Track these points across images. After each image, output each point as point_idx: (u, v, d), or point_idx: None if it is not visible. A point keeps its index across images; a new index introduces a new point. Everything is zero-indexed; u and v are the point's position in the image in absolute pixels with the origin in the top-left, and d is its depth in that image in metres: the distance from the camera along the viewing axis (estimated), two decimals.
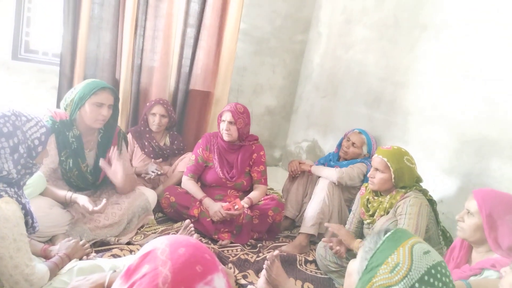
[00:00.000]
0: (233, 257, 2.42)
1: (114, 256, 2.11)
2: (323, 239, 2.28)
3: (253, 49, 3.85)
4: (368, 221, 2.31)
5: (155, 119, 3.01)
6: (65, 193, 2.19)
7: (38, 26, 3.16)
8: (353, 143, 2.89)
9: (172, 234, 2.49)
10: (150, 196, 2.58)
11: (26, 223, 1.56)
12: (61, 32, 2.89)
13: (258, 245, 2.64)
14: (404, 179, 2.18)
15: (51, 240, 2.15)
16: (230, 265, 2.30)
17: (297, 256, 2.51)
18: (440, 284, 0.95)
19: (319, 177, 2.84)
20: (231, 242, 2.60)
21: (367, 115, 3.25)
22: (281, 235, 2.89)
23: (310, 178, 3.01)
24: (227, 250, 2.50)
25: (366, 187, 2.39)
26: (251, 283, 2.15)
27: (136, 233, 2.47)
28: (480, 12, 2.45)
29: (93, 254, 1.97)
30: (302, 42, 4.05)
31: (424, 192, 2.23)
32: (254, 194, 2.75)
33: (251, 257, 2.47)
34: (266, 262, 1.99)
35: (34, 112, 1.62)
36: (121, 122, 3.20)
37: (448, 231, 2.31)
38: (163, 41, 3.22)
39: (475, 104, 2.44)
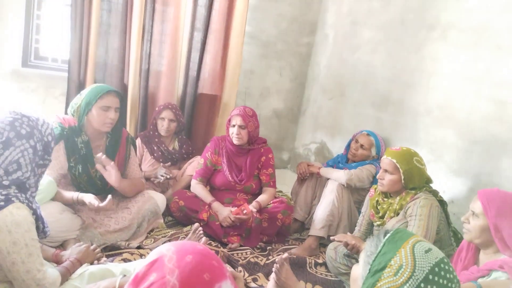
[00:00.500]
0: (242, 260, 2.42)
1: (125, 260, 2.11)
2: (334, 237, 2.24)
3: (260, 53, 3.86)
4: (378, 223, 2.29)
5: (164, 123, 3.02)
6: (72, 194, 2.20)
7: (47, 33, 3.20)
8: (361, 145, 2.88)
9: (182, 237, 2.50)
10: (159, 200, 2.59)
11: (37, 228, 1.56)
12: (70, 38, 2.93)
13: (268, 248, 2.64)
14: (414, 180, 2.17)
15: (62, 245, 2.17)
16: (239, 268, 2.30)
17: (307, 259, 2.51)
18: (445, 281, 0.95)
19: (328, 179, 2.83)
20: (241, 246, 2.60)
21: (375, 117, 3.23)
22: (290, 238, 2.88)
23: (319, 180, 3.00)
24: (237, 254, 2.50)
25: (375, 188, 2.38)
26: (261, 286, 2.15)
27: (146, 237, 2.48)
28: (487, 12, 2.43)
29: (104, 258, 1.98)
30: (309, 45, 4.05)
31: (435, 193, 2.21)
32: (262, 198, 2.74)
33: (261, 260, 2.46)
34: (275, 265, 1.98)
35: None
36: (130, 127, 3.22)
37: (460, 232, 2.28)
38: (170, 46, 3.24)
39: (483, 104, 2.42)
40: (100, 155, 2.27)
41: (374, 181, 2.69)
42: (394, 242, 1.02)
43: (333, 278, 2.39)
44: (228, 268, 1.98)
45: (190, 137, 3.45)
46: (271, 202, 2.74)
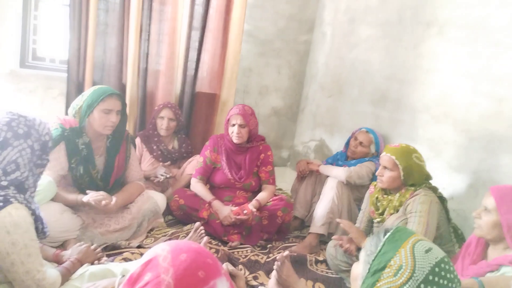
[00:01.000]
0: (243, 258, 2.43)
1: (125, 260, 2.12)
2: (333, 236, 2.26)
3: (258, 51, 3.86)
4: (378, 219, 2.30)
5: (164, 122, 3.02)
6: (76, 197, 2.21)
7: (45, 33, 3.19)
8: (360, 142, 2.89)
9: (182, 236, 2.50)
10: (159, 199, 2.60)
11: (37, 228, 1.56)
12: (68, 38, 2.92)
13: (268, 246, 2.64)
14: (413, 176, 2.17)
15: (62, 245, 2.17)
16: (240, 266, 2.30)
17: (308, 256, 2.51)
18: (446, 282, 0.94)
19: (328, 176, 2.83)
20: (241, 244, 2.61)
21: (373, 114, 3.24)
22: (290, 236, 2.89)
23: (319, 178, 3.00)
24: (237, 252, 2.51)
25: (375, 185, 2.38)
26: (262, 284, 2.15)
27: (147, 237, 2.49)
28: (484, 8, 2.43)
29: (105, 258, 1.98)
30: (307, 43, 4.05)
31: (434, 190, 2.21)
32: (262, 196, 2.75)
33: (261, 258, 2.47)
34: (276, 263, 1.98)
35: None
36: (129, 126, 3.22)
37: (460, 228, 2.29)
38: (168, 45, 3.24)
39: (482, 100, 2.42)
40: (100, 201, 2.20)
41: (373, 178, 2.70)
42: (394, 242, 1.01)
43: (333, 275, 2.39)
44: (229, 266, 1.99)
45: (189, 136, 3.45)
46: (270, 199, 2.75)
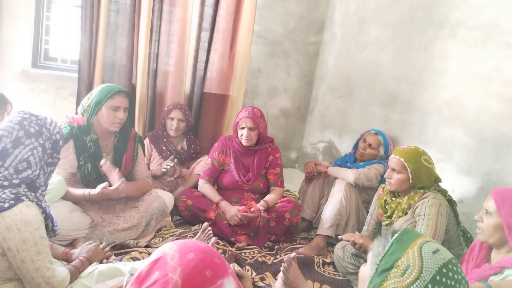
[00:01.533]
0: (250, 259, 2.43)
1: (133, 259, 2.13)
2: (342, 236, 2.24)
3: (267, 51, 3.86)
4: (386, 222, 2.29)
5: (173, 123, 3.04)
6: (84, 191, 2.21)
7: (57, 34, 3.23)
8: (369, 144, 2.87)
9: (190, 236, 2.51)
10: (167, 198, 2.62)
11: (47, 226, 1.58)
12: (79, 39, 2.95)
13: (275, 247, 2.64)
14: (422, 179, 2.15)
15: (72, 244, 2.19)
16: (247, 267, 2.31)
17: (315, 258, 2.51)
18: (453, 282, 0.94)
19: (336, 178, 2.82)
20: (248, 245, 2.61)
21: (383, 115, 3.22)
22: (298, 237, 2.88)
23: (327, 179, 2.99)
24: (244, 253, 2.51)
25: (383, 188, 2.37)
26: (269, 285, 2.15)
27: (154, 236, 2.50)
28: (496, 9, 2.40)
29: (113, 257, 2.00)
30: (316, 44, 4.04)
31: (444, 192, 2.19)
32: (270, 197, 2.75)
33: (269, 259, 2.47)
34: (283, 264, 1.98)
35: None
36: (138, 127, 3.24)
37: (469, 232, 2.27)
38: (177, 46, 3.25)
39: (493, 102, 2.40)
40: (104, 162, 2.28)
41: (382, 180, 2.68)
42: (401, 242, 1.01)
43: (341, 278, 2.38)
44: (236, 267, 1.99)
45: (198, 136, 3.46)
46: (278, 201, 2.74)
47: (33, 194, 1.52)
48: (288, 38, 3.90)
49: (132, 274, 1.27)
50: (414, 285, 0.93)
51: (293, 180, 3.87)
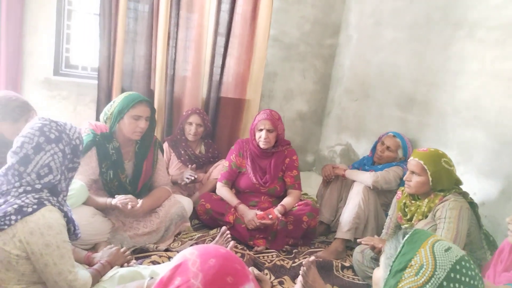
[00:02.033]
0: (268, 263, 2.43)
1: (153, 262, 2.16)
2: (361, 240, 2.22)
3: (283, 55, 3.87)
4: (406, 225, 2.26)
5: (192, 128, 3.07)
6: (106, 200, 2.28)
7: (77, 42, 3.30)
8: (387, 147, 2.84)
9: (209, 240, 2.53)
10: (186, 203, 2.64)
11: (69, 230, 1.61)
12: (98, 47, 3.02)
13: (294, 251, 2.64)
14: (442, 182, 2.12)
15: (93, 248, 2.23)
16: (266, 271, 2.31)
17: (334, 262, 2.49)
18: (467, 279, 0.94)
19: (354, 181, 2.81)
20: (267, 248, 2.61)
21: (400, 118, 3.19)
22: (316, 241, 2.87)
23: (345, 183, 2.98)
24: (263, 256, 2.51)
25: (402, 191, 2.34)
26: None
27: (174, 240, 2.53)
28: None
29: (134, 261, 2.02)
30: (332, 46, 4.03)
31: (465, 195, 2.16)
32: (287, 201, 2.75)
33: (287, 263, 2.47)
34: (302, 268, 1.98)
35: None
36: (157, 131, 3.28)
37: (491, 235, 2.22)
38: (194, 51, 3.29)
39: None
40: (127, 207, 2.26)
41: (401, 183, 2.65)
42: (413, 243, 1.02)
43: (360, 282, 2.36)
44: (255, 271, 2.00)
45: (215, 140, 3.48)
46: (296, 204, 2.74)
47: (55, 198, 1.55)
48: (304, 41, 3.90)
49: (152, 278, 1.29)
50: (429, 284, 0.93)
51: (311, 183, 3.86)
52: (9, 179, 1.49)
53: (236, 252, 2.42)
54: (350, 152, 3.78)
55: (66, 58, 3.27)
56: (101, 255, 1.91)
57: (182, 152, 3.11)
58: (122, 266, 1.90)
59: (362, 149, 3.58)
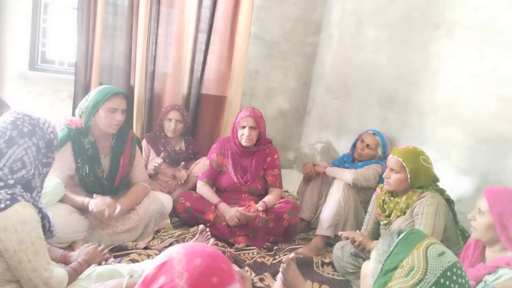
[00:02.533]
0: (249, 260, 2.43)
1: (132, 261, 2.12)
2: (343, 232, 2.23)
3: (265, 53, 3.86)
4: (385, 222, 2.29)
5: (171, 124, 3.04)
6: (83, 199, 2.23)
7: (54, 36, 3.22)
8: (367, 145, 2.87)
9: (189, 238, 2.51)
10: (165, 200, 2.61)
11: (44, 227, 1.57)
12: (76, 41, 2.95)
13: (274, 248, 2.64)
14: (420, 179, 2.16)
15: (70, 246, 2.19)
16: (246, 268, 2.30)
17: (314, 258, 2.50)
18: (457, 286, 0.93)
19: (334, 178, 2.83)
20: (247, 246, 2.61)
21: (380, 116, 3.23)
22: (297, 238, 2.88)
23: (325, 180, 2.99)
24: (243, 254, 2.51)
25: (381, 188, 2.37)
26: (268, 286, 2.15)
27: (153, 238, 2.50)
28: (493, 9, 2.41)
29: (112, 259, 1.99)
30: (313, 45, 4.05)
31: (442, 192, 2.20)
32: (269, 198, 2.75)
33: (268, 260, 2.47)
34: (282, 265, 1.98)
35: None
36: (136, 128, 3.24)
37: (467, 231, 2.27)
38: (175, 48, 3.26)
39: (490, 102, 2.40)
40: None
41: (380, 180, 2.68)
42: (407, 243, 1.01)
43: (340, 278, 2.38)
44: (235, 268, 1.99)
45: (195, 138, 3.45)
46: (277, 202, 2.74)
47: (29, 194, 1.52)
48: (285, 39, 3.91)
49: (132, 276, 1.27)
50: (418, 287, 0.93)
51: (291, 181, 3.87)
52: None
53: None
54: (330, 149, 3.80)
55: (42, 53, 3.19)
56: (78, 254, 1.88)
57: (162, 148, 3.08)
58: (99, 264, 1.87)
59: (343, 147, 3.61)
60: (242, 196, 2.83)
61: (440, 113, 2.72)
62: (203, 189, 2.81)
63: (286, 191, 3.53)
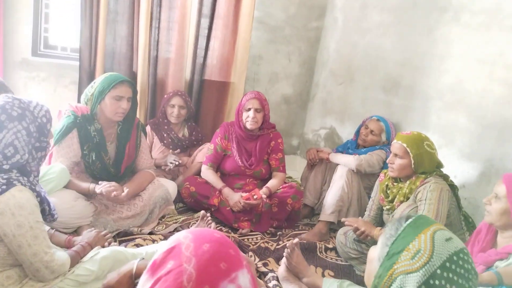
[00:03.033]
0: (253, 245, 2.45)
1: (137, 245, 2.15)
2: (346, 219, 2.24)
3: (268, 38, 3.82)
4: (388, 207, 2.29)
5: (174, 110, 3.03)
6: (89, 185, 2.24)
7: (56, 22, 3.20)
8: (371, 131, 2.86)
9: (193, 223, 2.53)
10: (170, 187, 2.62)
11: (43, 211, 1.58)
12: (79, 27, 2.93)
13: (278, 233, 2.66)
14: (424, 164, 2.15)
15: (76, 231, 2.21)
16: (250, 253, 2.33)
17: (317, 244, 2.52)
18: (462, 271, 0.94)
19: (338, 164, 2.83)
20: (251, 231, 2.63)
21: (385, 101, 3.20)
22: (300, 223, 2.90)
23: (329, 166, 3.00)
24: (247, 239, 2.53)
25: (385, 173, 2.37)
26: (272, 271, 2.17)
27: (158, 223, 2.52)
28: None
29: (114, 243, 2.01)
30: (318, 29, 4.00)
31: (445, 177, 2.20)
32: (272, 183, 2.76)
33: (271, 245, 2.49)
34: (286, 250, 2.00)
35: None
36: (140, 114, 3.24)
37: (471, 217, 2.27)
38: (178, 33, 3.23)
39: (496, 87, 2.38)
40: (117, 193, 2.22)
41: (384, 166, 2.68)
42: (415, 227, 1.01)
43: (343, 263, 2.40)
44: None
45: (199, 123, 3.45)
46: (280, 187, 2.75)
47: (25, 178, 1.52)
48: (289, 24, 3.86)
49: (143, 258, 1.28)
50: (423, 269, 0.93)
51: (295, 166, 3.88)
52: None
53: None
54: (334, 135, 3.79)
55: (45, 38, 3.17)
56: (81, 238, 1.89)
57: (165, 135, 3.08)
58: (102, 247, 1.89)
59: (346, 133, 3.60)
60: (247, 181, 2.84)
61: (445, 99, 2.70)
62: (208, 173, 2.82)
63: (290, 177, 3.54)
